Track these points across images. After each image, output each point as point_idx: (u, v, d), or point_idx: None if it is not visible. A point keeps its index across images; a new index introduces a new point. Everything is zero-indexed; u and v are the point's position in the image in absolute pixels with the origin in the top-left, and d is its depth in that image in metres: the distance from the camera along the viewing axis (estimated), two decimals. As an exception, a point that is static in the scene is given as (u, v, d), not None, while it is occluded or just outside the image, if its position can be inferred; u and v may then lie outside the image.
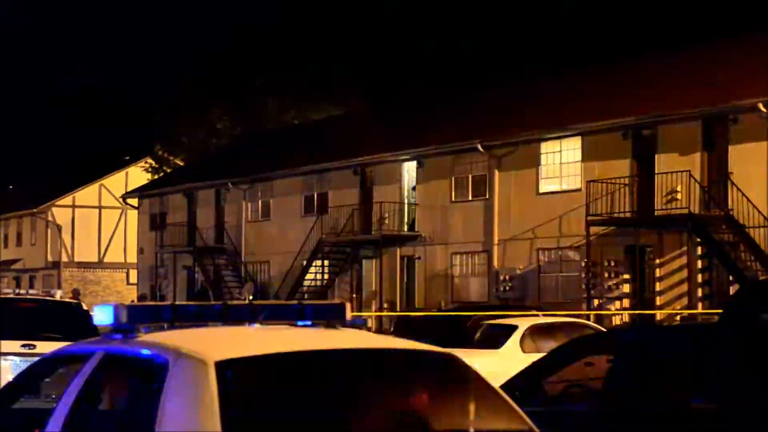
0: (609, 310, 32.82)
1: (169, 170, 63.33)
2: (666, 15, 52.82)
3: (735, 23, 41.13)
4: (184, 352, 4.80)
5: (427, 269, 39.16)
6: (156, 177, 62.57)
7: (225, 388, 4.59)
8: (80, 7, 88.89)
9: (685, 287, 31.32)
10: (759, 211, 29.38)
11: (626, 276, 32.96)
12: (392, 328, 36.85)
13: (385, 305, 39.84)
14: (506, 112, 39.29)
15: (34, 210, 66.67)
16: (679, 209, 30.58)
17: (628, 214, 32.15)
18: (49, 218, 65.92)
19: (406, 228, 40.27)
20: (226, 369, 4.67)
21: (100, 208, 66.62)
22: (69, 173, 68.88)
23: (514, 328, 20.32)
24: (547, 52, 53.26)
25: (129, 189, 60.59)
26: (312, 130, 51.83)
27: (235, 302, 5.56)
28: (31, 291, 18.41)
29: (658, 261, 32.08)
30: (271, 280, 45.69)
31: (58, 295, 17.17)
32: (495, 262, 36.70)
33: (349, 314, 5.57)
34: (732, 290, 28.58)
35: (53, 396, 5.78)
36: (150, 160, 65.31)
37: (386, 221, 40.39)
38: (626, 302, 33.05)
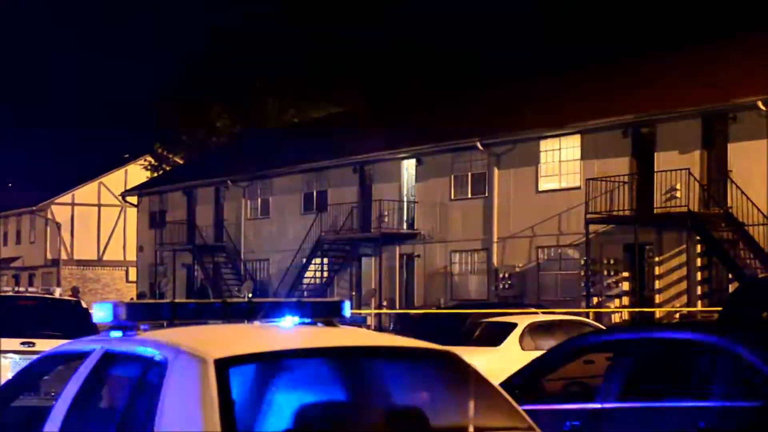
0: (608, 307, 32.83)
1: (168, 168, 63.30)
2: (665, 14, 52.82)
3: (734, 22, 41.13)
4: (184, 349, 4.80)
5: (427, 267, 39.16)
6: (155, 175, 62.54)
7: (224, 385, 4.59)
8: (80, 4, 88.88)
9: (684, 285, 31.33)
10: (758, 209, 29.39)
11: (625, 274, 32.96)
12: (391, 326, 36.96)
13: (385, 303, 39.85)
14: (506, 110, 39.29)
15: (34, 208, 66.64)
16: (679, 207, 30.59)
17: (627, 212, 32.16)
18: (49, 216, 65.91)
19: (405, 226, 40.27)
20: (226, 366, 4.67)
21: (99, 206, 66.59)
22: (68, 171, 68.82)
23: (514, 325, 20.34)
24: (547, 50, 53.25)
25: (128, 187, 60.54)
26: (311, 128, 51.81)
27: (235, 300, 5.56)
28: (30, 289, 18.41)
29: (657, 259, 32.09)
30: (270, 278, 45.68)
31: (58, 293, 17.19)
32: (494, 260, 36.70)
33: (348, 312, 5.57)
34: (731, 288, 28.59)
35: (52, 394, 5.78)
36: (149, 158, 65.25)
37: (386, 219, 40.40)
38: (625, 300, 33.06)
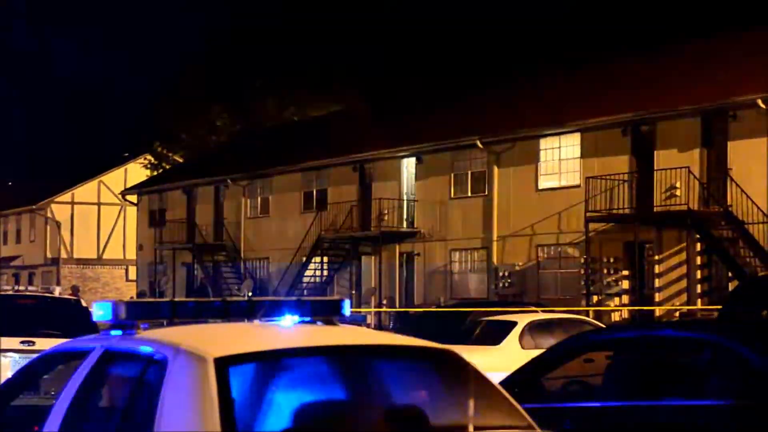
0: (608, 306, 32.84)
1: (168, 167, 63.30)
2: (665, 11, 52.82)
3: (734, 19, 41.11)
4: (184, 348, 4.80)
5: (427, 266, 39.16)
6: (155, 174, 62.54)
7: (224, 384, 4.59)
8: (81, 3, 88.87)
9: (684, 283, 31.33)
10: (758, 208, 29.38)
11: (625, 272, 32.96)
12: (391, 325, 36.97)
13: (384, 302, 39.86)
14: (505, 109, 39.28)
15: (33, 207, 66.63)
16: (679, 205, 30.58)
17: (627, 211, 32.16)
18: (49, 215, 65.90)
19: (405, 224, 40.27)
20: (226, 365, 4.67)
21: (99, 204, 66.58)
22: (68, 170, 68.83)
23: (514, 324, 20.33)
24: (546, 48, 53.25)
25: (128, 186, 60.56)
26: (311, 127, 51.81)
27: (234, 299, 5.56)
28: (30, 288, 18.40)
29: (657, 257, 32.09)
30: (270, 277, 45.70)
31: (57, 291, 17.17)
32: (494, 259, 36.71)
33: (348, 310, 5.57)
34: (731, 286, 28.59)
35: (52, 393, 5.78)
36: (149, 157, 65.25)
37: (385, 218, 40.40)
38: (625, 298, 33.06)
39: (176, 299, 5.49)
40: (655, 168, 31.66)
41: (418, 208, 39.75)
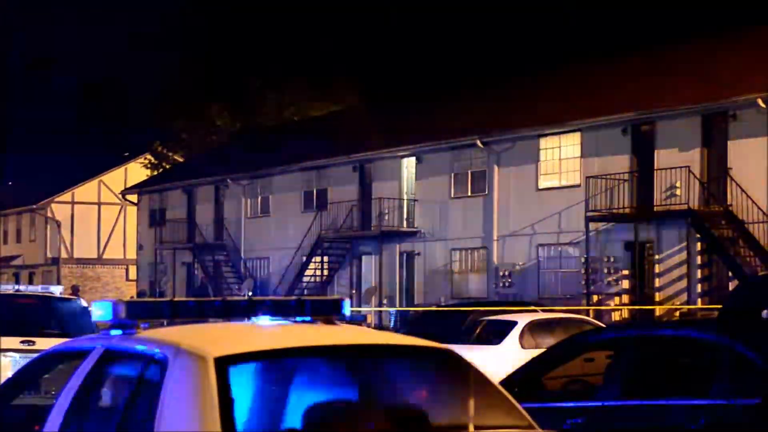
0: (608, 305, 32.83)
1: (168, 166, 63.30)
2: (665, 10, 52.82)
3: (734, 18, 41.11)
4: (184, 347, 4.80)
5: (427, 265, 39.16)
6: (155, 173, 62.53)
7: (224, 383, 4.59)
8: (80, 3, 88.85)
9: (684, 283, 31.32)
10: (758, 207, 29.39)
11: (625, 272, 32.96)
12: (391, 324, 36.98)
13: (385, 301, 39.86)
14: (505, 108, 39.28)
15: (34, 206, 66.61)
16: (679, 205, 30.59)
17: (627, 210, 32.16)
18: (49, 214, 65.89)
19: (405, 224, 40.27)
20: (226, 365, 4.67)
21: (99, 204, 66.55)
22: (68, 169, 68.80)
23: (514, 323, 20.34)
24: (546, 47, 53.26)
25: (128, 185, 60.54)
26: (311, 127, 51.81)
27: (235, 298, 5.56)
28: (30, 287, 18.38)
29: (657, 257, 32.09)
30: (270, 276, 45.70)
31: (58, 291, 17.14)
32: (494, 258, 36.70)
33: (348, 310, 5.57)
34: (731, 286, 28.58)
35: (53, 392, 5.78)
36: (149, 157, 65.23)
37: (385, 217, 40.41)
38: (626, 298, 33.04)
39: (176, 299, 5.49)
40: (656, 167, 31.66)
41: (418, 208, 39.75)
